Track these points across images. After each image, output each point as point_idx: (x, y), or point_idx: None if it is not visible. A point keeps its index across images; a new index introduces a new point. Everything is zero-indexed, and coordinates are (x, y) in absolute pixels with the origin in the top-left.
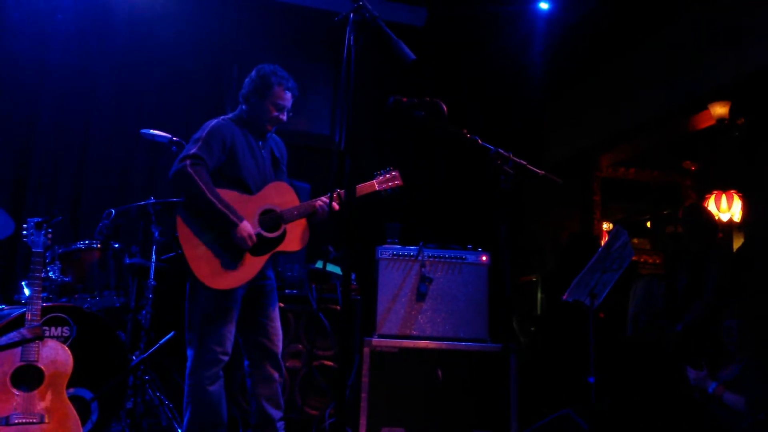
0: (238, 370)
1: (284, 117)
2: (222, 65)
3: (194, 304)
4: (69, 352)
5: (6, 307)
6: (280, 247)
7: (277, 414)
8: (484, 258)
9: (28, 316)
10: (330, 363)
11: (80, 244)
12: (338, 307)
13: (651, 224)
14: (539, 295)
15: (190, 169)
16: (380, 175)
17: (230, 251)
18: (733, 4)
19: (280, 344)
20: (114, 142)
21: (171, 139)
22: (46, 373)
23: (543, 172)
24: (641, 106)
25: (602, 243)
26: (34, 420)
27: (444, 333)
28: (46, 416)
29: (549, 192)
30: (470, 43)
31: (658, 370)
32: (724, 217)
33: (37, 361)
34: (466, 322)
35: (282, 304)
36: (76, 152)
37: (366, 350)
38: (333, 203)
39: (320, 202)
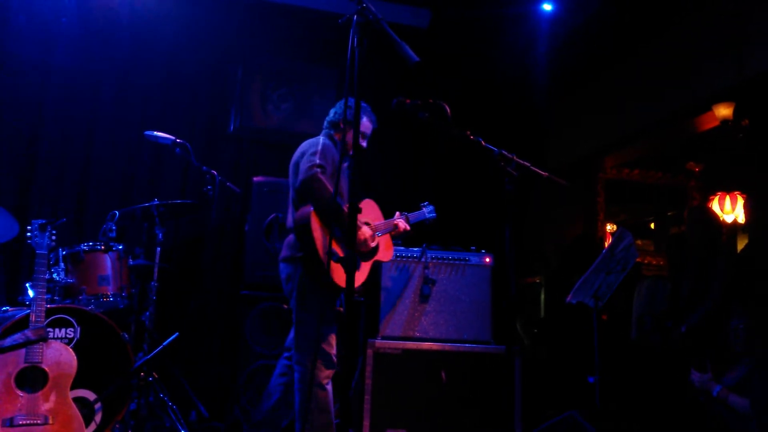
0: (237, 372)
1: (365, 143)
2: (226, 68)
3: (316, 305)
4: (73, 354)
5: (10, 309)
6: (377, 257)
7: (283, 422)
8: (487, 260)
9: (33, 318)
10: None
11: (84, 246)
12: (341, 309)
13: (655, 226)
14: (543, 297)
15: (321, 176)
16: (426, 206)
17: None
18: (736, 6)
19: None
20: (118, 144)
21: (174, 141)
22: (50, 375)
23: (547, 173)
24: (645, 107)
25: (606, 245)
26: (38, 421)
27: (447, 335)
28: (50, 417)
29: (553, 194)
30: (474, 45)
31: (662, 372)
32: (729, 219)
33: (41, 362)
34: (470, 323)
35: (285, 306)
36: (80, 154)
37: (369, 352)
38: (406, 224)
39: (399, 222)
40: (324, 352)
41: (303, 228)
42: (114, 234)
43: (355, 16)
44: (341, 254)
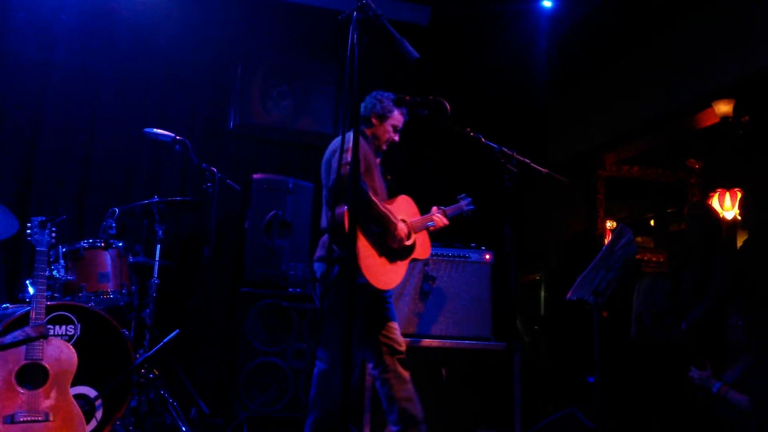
0: (238, 369)
1: (397, 137)
2: (226, 65)
3: (344, 306)
4: (73, 351)
5: (11, 306)
6: (414, 255)
7: (420, 413)
8: (487, 256)
9: (33, 315)
10: None
11: (84, 243)
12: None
13: (655, 222)
14: (543, 294)
15: None
16: (463, 199)
17: (386, 255)
18: (737, 3)
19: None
20: (118, 141)
21: (174, 138)
22: (51, 372)
23: (547, 170)
24: (645, 104)
25: (606, 241)
26: (39, 418)
27: (447, 332)
28: (51, 414)
29: (553, 190)
30: (474, 42)
31: (662, 369)
32: (729, 215)
33: (41, 359)
34: (470, 320)
35: (285, 303)
36: (80, 151)
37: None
38: (444, 219)
39: (436, 217)
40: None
41: (339, 228)
42: (114, 231)
43: (355, 13)
44: (378, 254)
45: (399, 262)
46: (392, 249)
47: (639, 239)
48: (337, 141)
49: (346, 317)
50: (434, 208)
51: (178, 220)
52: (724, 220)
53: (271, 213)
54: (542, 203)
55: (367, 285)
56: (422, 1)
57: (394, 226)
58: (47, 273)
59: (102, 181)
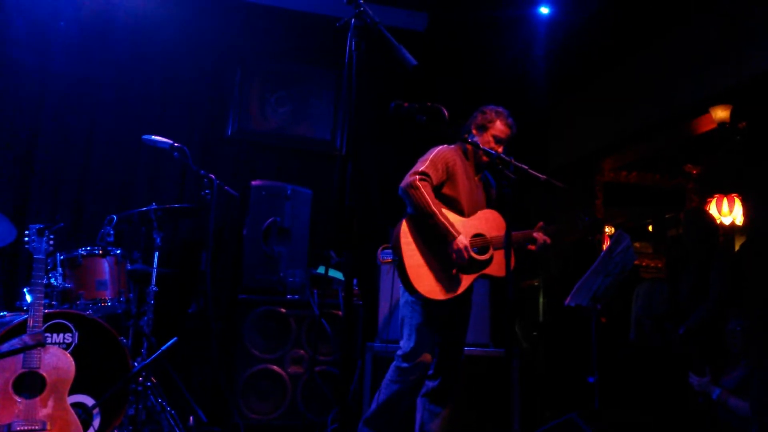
0: (235, 376)
1: (501, 149)
2: (224, 71)
3: (407, 311)
4: (71, 359)
5: (8, 314)
6: (487, 270)
7: None
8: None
9: (30, 323)
10: (332, 368)
11: (82, 251)
12: (340, 313)
13: (653, 228)
14: (541, 300)
15: (418, 183)
16: (586, 217)
17: (445, 267)
18: (734, 8)
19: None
20: (116, 148)
21: (173, 145)
22: (48, 380)
23: (545, 176)
24: (643, 110)
25: (604, 247)
26: (36, 427)
27: None
28: (48, 423)
29: (551, 196)
30: (471, 48)
31: (661, 375)
32: (726, 221)
33: (39, 367)
34: (469, 326)
35: (284, 310)
36: (78, 159)
37: (368, 355)
38: (546, 238)
39: (536, 235)
40: (416, 358)
41: (394, 233)
42: (112, 238)
43: (353, 20)
44: (436, 263)
45: (461, 275)
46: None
47: (637, 245)
48: (431, 149)
49: (409, 322)
50: (538, 224)
51: (177, 227)
52: (721, 225)
53: (270, 219)
54: (541, 209)
55: (417, 293)
56: (419, 8)
57: (453, 237)
58: (45, 281)
59: (100, 189)
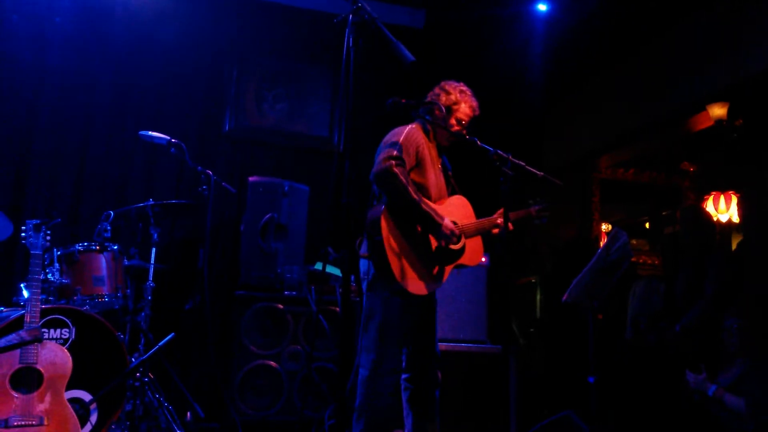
0: (233, 372)
1: (465, 132)
2: (221, 67)
3: (379, 308)
4: (68, 354)
5: (5, 309)
6: (462, 260)
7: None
8: (483, 260)
9: (27, 318)
10: (329, 364)
11: (79, 246)
12: (337, 309)
13: (650, 225)
14: (538, 297)
15: (396, 169)
16: (534, 204)
17: (425, 258)
18: (731, 6)
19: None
20: (113, 144)
21: (170, 140)
22: (45, 376)
23: (542, 173)
24: (640, 107)
25: (601, 244)
26: (33, 422)
27: (443, 334)
28: (45, 418)
29: (548, 193)
30: (469, 45)
31: (658, 372)
32: (723, 218)
33: (36, 363)
34: (466, 323)
35: (281, 306)
36: (74, 154)
37: None
38: (509, 224)
39: (499, 221)
40: (391, 356)
41: (372, 225)
42: (109, 234)
43: (351, 16)
44: (416, 257)
45: (440, 267)
46: (435, 251)
47: (634, 242)
48: (392, 131)
49: (381, 320)
50: (499, 211)
51: (174, 223)
52: (718, 222)
53: (267, 216)
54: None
55: (402, 289)
56: (418, 5)
57: (439, 224)
58: (42, 276)
59: (97, 184)
